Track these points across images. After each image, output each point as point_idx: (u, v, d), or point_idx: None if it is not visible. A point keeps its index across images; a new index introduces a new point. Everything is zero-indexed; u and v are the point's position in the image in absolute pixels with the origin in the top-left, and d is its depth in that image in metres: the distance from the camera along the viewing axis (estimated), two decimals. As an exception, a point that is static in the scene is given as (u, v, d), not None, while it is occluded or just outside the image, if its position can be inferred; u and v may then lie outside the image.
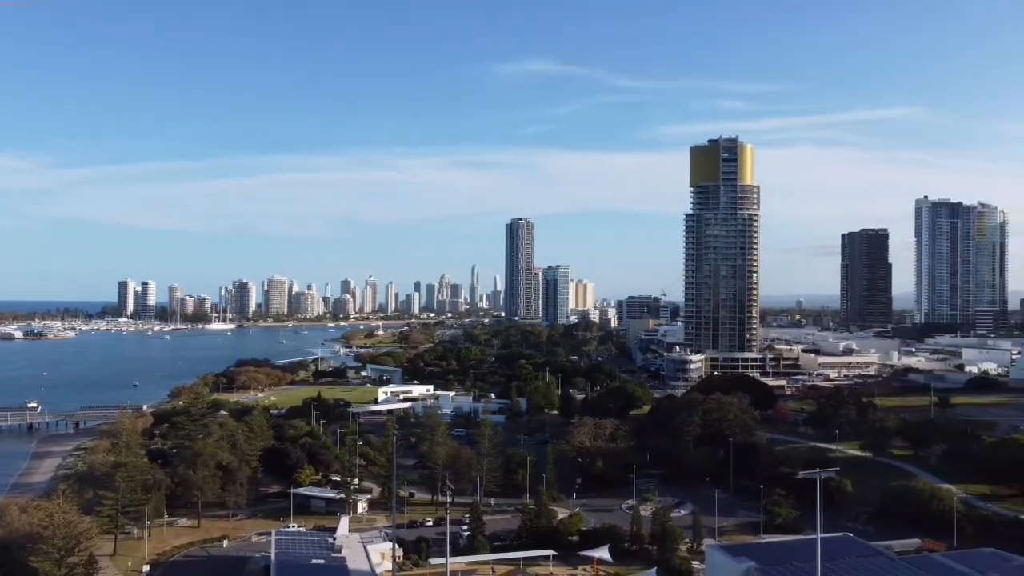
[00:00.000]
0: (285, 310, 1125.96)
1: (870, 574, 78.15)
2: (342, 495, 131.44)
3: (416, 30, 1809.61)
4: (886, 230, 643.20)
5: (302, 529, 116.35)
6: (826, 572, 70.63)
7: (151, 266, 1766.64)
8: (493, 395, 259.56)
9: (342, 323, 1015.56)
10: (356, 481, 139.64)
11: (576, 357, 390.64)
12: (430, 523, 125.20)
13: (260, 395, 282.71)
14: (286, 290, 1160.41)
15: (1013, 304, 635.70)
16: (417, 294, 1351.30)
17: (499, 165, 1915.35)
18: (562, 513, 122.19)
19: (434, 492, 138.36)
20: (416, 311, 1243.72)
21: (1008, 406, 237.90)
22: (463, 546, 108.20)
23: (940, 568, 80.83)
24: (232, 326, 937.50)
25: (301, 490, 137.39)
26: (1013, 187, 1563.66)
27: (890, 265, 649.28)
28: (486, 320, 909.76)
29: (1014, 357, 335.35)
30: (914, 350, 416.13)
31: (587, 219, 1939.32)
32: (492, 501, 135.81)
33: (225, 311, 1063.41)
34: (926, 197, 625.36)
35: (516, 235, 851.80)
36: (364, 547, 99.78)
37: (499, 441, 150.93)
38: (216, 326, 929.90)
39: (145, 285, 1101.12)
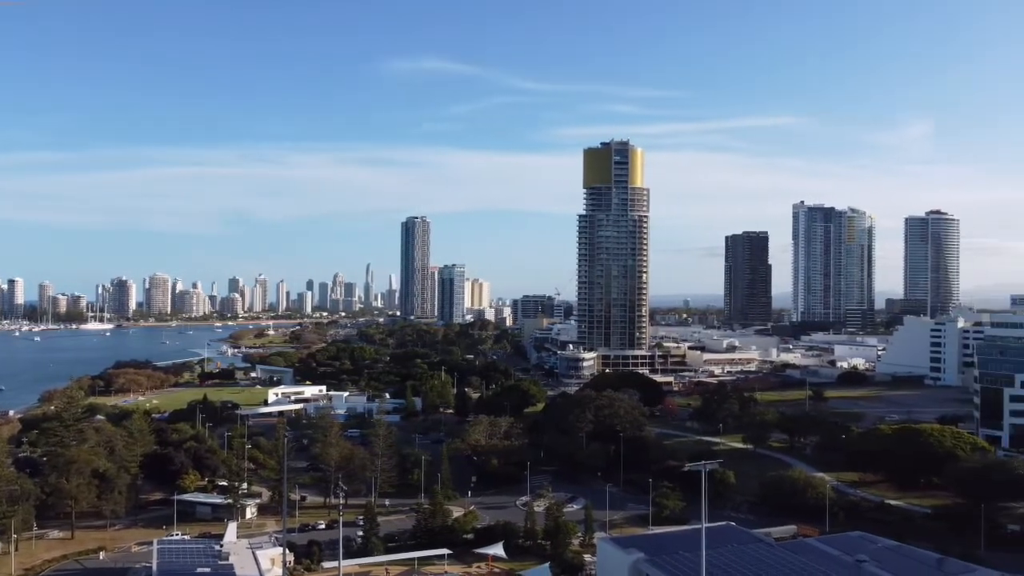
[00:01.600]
0: (168, 309, 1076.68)
1: (751, 560, 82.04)
2: (229, 500, 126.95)
3: (307, 24, 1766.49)
4: (766, 233, 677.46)
5: (186, 537, 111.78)
6: (710, 560, 73.67)
7: (20, 263, 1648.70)
8: (388, 395, 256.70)
9: (230, 323, 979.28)
10: (245, 485, 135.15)
11: (472, 356, 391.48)
12: (323, 526, 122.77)
13: (141, 398, 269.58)
14: (169, 288, 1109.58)
15: (879, 303, 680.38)
16: (310, 293, 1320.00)
17: (395, 163, 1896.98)
18: (457, 512, 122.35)
19: (327, 494, 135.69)
20: (309, 310, 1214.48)
21: (874, 399, 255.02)
22: (357, 548, 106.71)
23: (814, 552, 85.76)
24: (110, 326, 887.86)
25: (185, 496, 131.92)
26: (879, 193, 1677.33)
27: (770, 266, 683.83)
28: (381, 319, 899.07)
29: (880, 353, 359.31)
30: (791, 347, 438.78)
31: (483, 218, 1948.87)
32: (387, 501, 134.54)
33: (102, 310, 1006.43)
34: (802, 202, 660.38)
35: (412, 234, 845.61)
36: (253, 553, 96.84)
37: (394, 441, 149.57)
38: (93, 326, 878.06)
39: (12, 282, 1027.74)
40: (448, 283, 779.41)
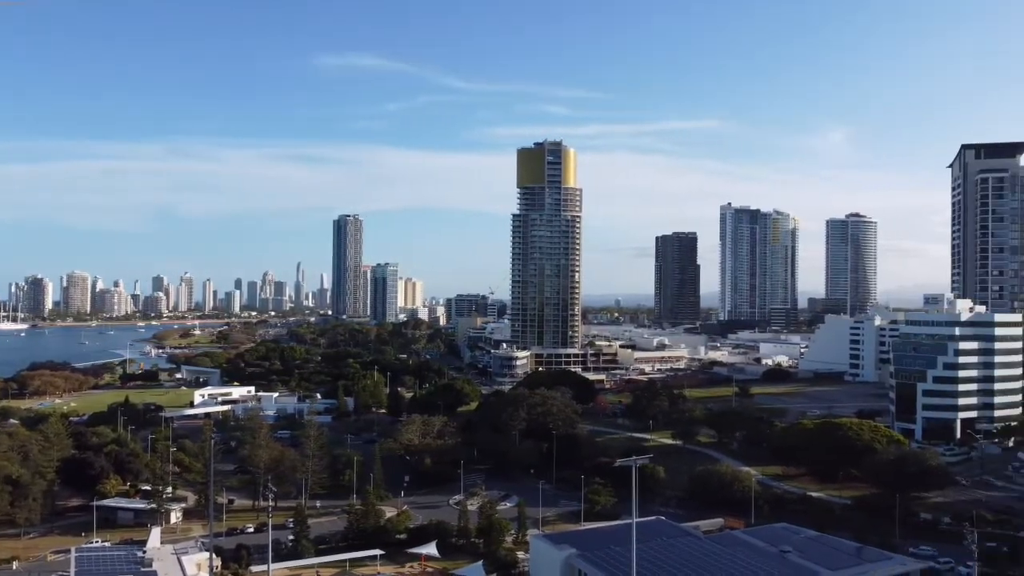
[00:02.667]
0: (88, 309, 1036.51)
1: (679, 553, 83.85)
2: (153, 505, 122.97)
3: (236, 18, 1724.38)
4: (695, 234, 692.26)
5: (107, 544, 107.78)
6: (641, 553, 74.95)
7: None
8: (319, 395, 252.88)
9: (154, 323, 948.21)
10: (169, 490, 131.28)
11: (405, 355, 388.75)
12: (251, 529, 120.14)
13: (58, 401, 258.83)
14: (89, 287, 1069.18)
15: (802, 302, 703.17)
16: (238, 292, 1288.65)
17: (327, 160, 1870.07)
18: (390, 512, 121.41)
19: (256, 497, 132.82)
20: (237, 310, 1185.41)
21: (797, 394, 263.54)
22: (287, 551, 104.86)
23: (740, 543, 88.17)
24: (24, 326, 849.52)
25: (106, 502, 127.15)
26: (802, 196, 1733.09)
27: (699, 266, 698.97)
28: (312, 319, 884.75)
29: (802, 350, 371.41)
30: (719, 345, 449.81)
31: (417, 217, 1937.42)
32: (318, 503, 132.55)
33: (16, 310, 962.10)
34: (729, 204, 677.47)
35: (344, 232, 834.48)
36: (178, 559, 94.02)
37: (325, 441, 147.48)
38: (5, 326, 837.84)
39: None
40: (381, 282, 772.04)
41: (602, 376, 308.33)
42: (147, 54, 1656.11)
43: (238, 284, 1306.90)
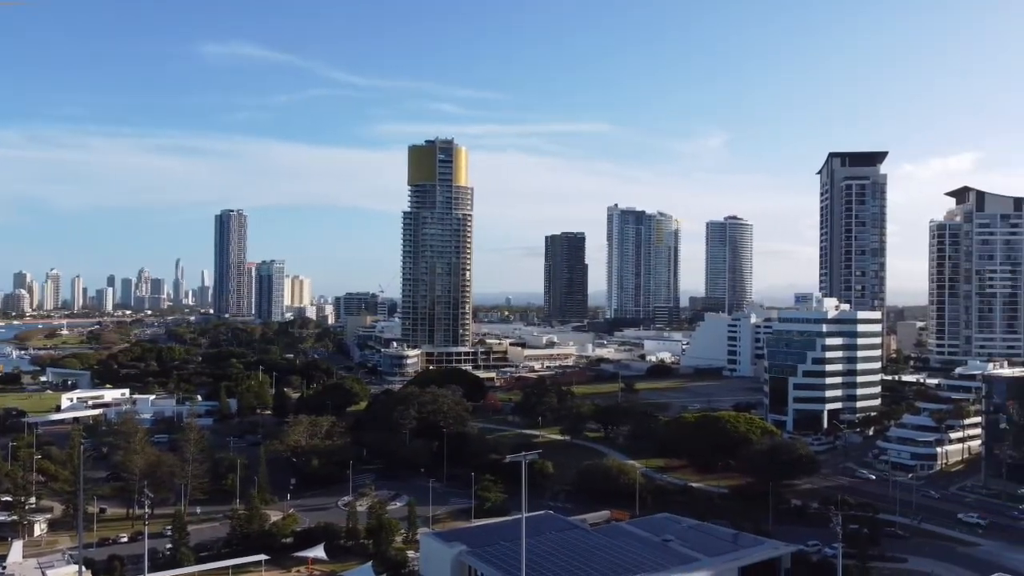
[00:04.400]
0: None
1: (568, 545, 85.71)
2: (15, 517, 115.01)
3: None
4: (583, 234, 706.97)
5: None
6: (530, 547, 76.15)
7: None
8: (200, 397, 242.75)
9: (15, 322, 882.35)
10: (32, 500, 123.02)
11: (292, 355, 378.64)
12: (125, 539, 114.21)
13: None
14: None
15: (684, 301, 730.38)
16: (111, 290, 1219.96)
17: (209, 152, 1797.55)
18: (276, 516, 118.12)
19: (131, 505, 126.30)
20: (110, 308, 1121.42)
21: (679, 389, 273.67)
22: (165, 560, 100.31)
23: (625, 534, 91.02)
24: None
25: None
26: (684, 198, 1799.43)
27: (587, 265, 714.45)
28: (192, 318, 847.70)
29: (684, 347, 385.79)
30: (606, 342, 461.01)
31: (305, 213, 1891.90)
32: (199, 509, 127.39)
33: None
34: (616, 205, 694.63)
35: (227, 227, 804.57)
36: (43, 573, 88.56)
37: (206, 445, 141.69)
38: None
39: None
40: (266, 280, 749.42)
41: (493, 374, 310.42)
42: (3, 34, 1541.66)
43: (111, 281, 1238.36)
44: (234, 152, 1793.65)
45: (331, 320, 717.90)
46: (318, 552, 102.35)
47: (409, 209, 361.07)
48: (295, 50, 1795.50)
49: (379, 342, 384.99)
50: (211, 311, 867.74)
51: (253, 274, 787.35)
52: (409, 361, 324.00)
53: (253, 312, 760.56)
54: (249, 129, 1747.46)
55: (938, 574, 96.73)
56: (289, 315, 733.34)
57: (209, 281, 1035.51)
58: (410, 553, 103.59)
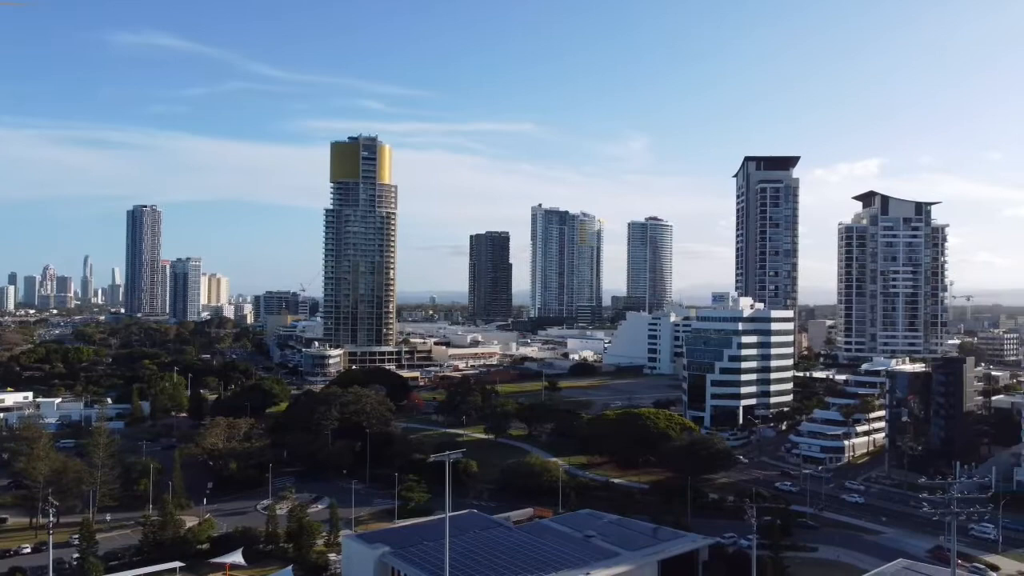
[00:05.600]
0: None
1: (491, 544, 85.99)
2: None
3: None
4: (508, 233, 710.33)
5: None
6: (454, 547, 76.11)
7: None
8: (110, 399, 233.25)
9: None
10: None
11: (209, 355, 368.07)
12: (28, 550, 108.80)
13: None
14: None
15: (606, 300, 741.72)
16: (12, 288, 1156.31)
17: (120, 145, 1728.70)
18: (191, 521, 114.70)
19: (34, 514, 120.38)
20: (11, 307, 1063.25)
21: (602, 387, 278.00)
22: (71, 570, 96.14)
23: (548, 531, 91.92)
24: None
25: None
26: (607, 199, 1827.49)
27: (511, 265, 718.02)
28: (102, 317, 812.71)
29: (606, 345, 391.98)
30: (529, 341, 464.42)
31: (224, 210, 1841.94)
32: (108, 516, 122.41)
33: None
34: (540, 205, 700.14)
35: (140, 223, 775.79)
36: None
37: (117, 449, 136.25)
38: None
39: None
40: (182, 278, 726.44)
41: (417, 373, 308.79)
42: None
43: (12, 279, 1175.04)
44: (148, 145, 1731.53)
45: (250, 320, 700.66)
46: (236, 558, 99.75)
47: (332, 207, 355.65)
48: (214, 42, 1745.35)
49: (300, 342, 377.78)
50: (122, 310, 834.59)
51: (167, 272, 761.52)
52: (331, 361, 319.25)
53: (168, 311, 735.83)
54: (164, 122, 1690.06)
55: (844, 561, 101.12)
56: (206, 315, 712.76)
57: (120, 279, 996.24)
58: (332, 556, 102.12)
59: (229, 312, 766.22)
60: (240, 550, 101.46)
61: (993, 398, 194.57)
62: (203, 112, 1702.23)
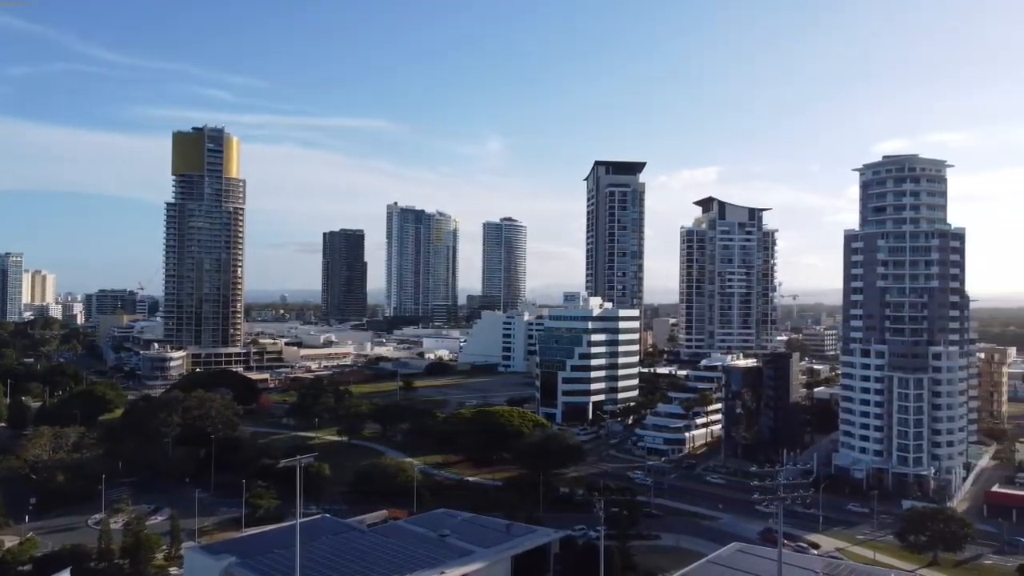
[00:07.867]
0: None
1: (344, 548, 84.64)
2: None
3: None
4: (362, 231, 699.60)
5: None
6: (305, 553, 74.31)
7: None
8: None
9: None
10: None
11: (32, 359, 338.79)
12: None
13: None
14: None
15: (462, 299, 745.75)
16: None
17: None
18: (11, 541, 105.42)
19: None
20: None
21: (457, 386, 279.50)
22: None
23: (403, 532, 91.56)
24: None
25: None
26: (463, 199, 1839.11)
27: (366, 263, 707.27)
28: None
29: (461, 345, 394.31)
30: (384, 341, 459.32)
31: (51, 201, 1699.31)
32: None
33: None
34: (396, 203, 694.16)
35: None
36: None
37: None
38: None
39: None
40: (1, 275, 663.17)
41: (266, 375, 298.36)
42: None
43: None
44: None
45: (80, 320, 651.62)
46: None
47: (173, 200, 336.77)
48: (38, 18, 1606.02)
49: (138, 343, 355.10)
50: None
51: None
52: (173, 364, 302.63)
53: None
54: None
55: (684, 547, 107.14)
56: (28, 314, 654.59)
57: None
58: (173, 570, 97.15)
59: (56, 312, 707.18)
60: (68, 570, 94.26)
61: (815, 390, 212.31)
62: (26, 94, 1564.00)
